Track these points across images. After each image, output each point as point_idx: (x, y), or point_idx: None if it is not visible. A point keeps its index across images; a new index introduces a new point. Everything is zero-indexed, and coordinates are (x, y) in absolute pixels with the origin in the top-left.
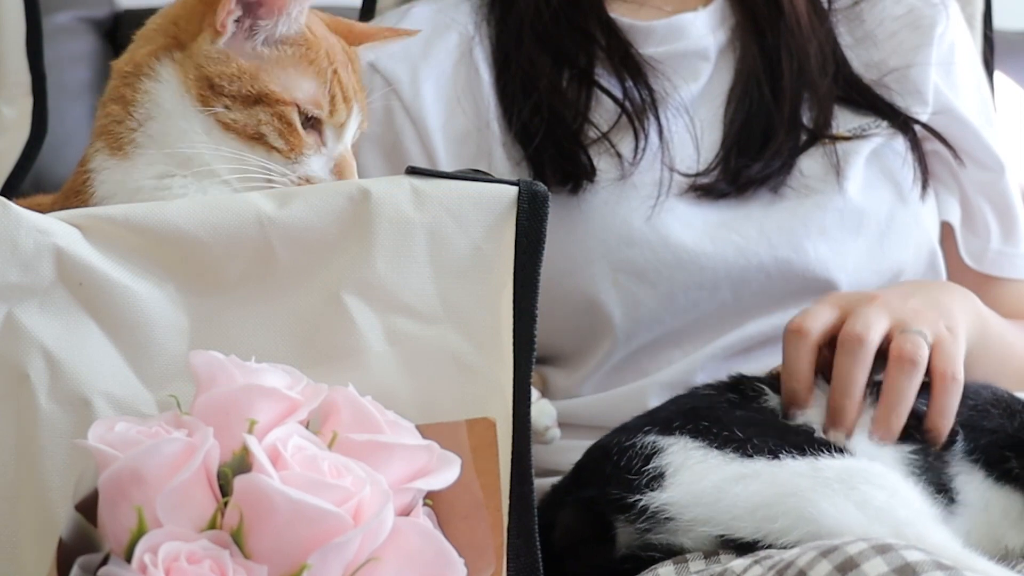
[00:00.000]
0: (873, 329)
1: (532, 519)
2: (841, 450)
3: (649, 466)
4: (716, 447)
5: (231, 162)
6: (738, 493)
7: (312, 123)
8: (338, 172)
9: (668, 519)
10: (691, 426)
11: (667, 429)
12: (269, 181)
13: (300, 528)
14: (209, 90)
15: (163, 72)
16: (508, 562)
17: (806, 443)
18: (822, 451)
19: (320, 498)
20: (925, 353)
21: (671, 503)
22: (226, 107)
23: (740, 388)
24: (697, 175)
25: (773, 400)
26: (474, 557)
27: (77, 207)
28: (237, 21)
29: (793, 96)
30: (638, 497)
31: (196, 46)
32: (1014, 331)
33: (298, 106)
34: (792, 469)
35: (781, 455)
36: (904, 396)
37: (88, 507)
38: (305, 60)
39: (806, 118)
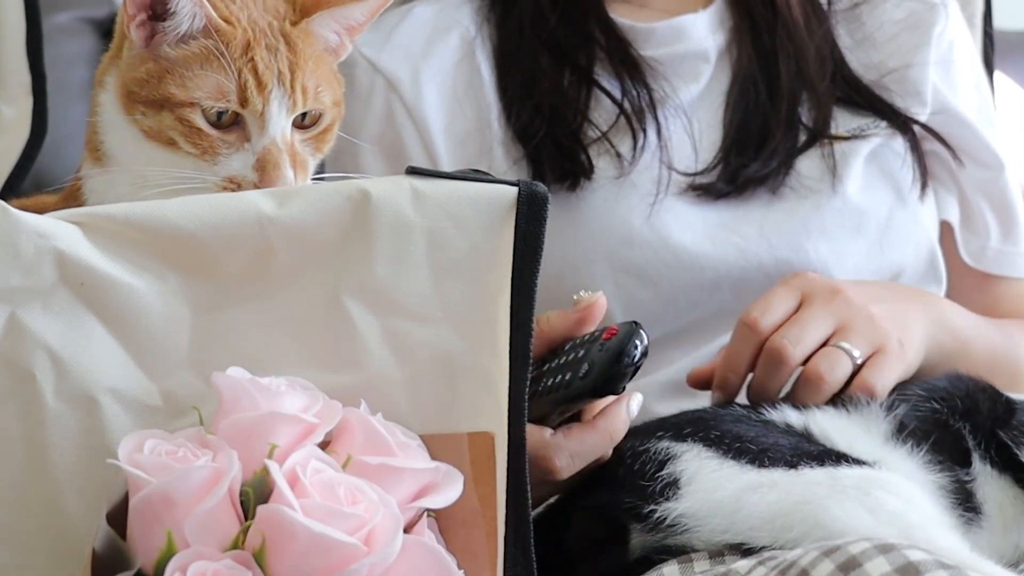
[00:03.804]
0: (803, 344)
1: (528, 529)
2: (860, 461)
3: (663, 472)
4: (731, 457)
5: (157, 171)
6: (755, 503)
7: (237, 119)
8: (259, 168)
9: (685, 529)
10: (702, 434)
11: (679, 436)
12: (193, 189)
13: (318, 556)
14: (127, 97)
15: (108, 82)
16: (505, 571)
17: (825, 454)
18: (841, 461)
19: (337, 528)
20: (840, 374)
21: (688, 514)
22: (142, 114)
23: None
24: (696, 174)
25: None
26: (470, 564)
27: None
28: (142, 25)
29: (791, 97)
30: (653, 507)
31: (123, 53)
32: (1001, 334)
33: (200, 105)
34: (810, 478)
35: (800, 466)
36: (772, 393)
37: (116, 517)
38: (213, 53)
39: (805, 119)
